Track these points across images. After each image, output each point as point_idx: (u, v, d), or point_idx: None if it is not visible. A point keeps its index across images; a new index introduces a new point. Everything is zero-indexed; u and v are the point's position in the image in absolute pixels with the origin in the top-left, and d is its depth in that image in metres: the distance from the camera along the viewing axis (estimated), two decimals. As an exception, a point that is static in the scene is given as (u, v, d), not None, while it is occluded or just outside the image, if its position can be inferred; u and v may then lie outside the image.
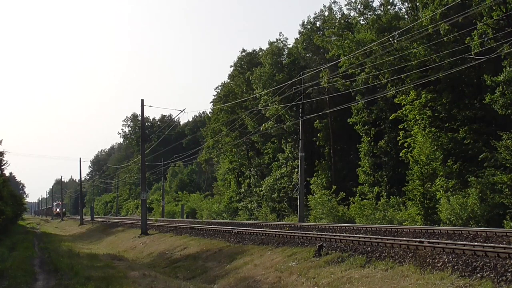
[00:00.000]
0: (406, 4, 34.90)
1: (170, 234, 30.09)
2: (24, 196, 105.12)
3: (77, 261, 17.67)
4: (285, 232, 20.37)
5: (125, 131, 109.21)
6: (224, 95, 55.25)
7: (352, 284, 11.75)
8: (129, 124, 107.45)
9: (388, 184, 33.98)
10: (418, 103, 29.72)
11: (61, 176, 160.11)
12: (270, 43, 48.95)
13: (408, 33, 29.87)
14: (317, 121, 40.51)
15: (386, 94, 32.39)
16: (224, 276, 16.44)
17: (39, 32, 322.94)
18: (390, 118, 33.19)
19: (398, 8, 34.99)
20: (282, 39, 48.68)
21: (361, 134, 36.69)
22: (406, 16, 35.09)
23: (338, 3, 49.63)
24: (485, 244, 12.69)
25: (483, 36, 26.09)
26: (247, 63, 54.58)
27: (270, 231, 21.62)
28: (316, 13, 48.24)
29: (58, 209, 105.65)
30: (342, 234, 18.40)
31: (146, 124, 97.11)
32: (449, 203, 24.12)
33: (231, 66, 56.87)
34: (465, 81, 29.41)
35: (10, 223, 36.41)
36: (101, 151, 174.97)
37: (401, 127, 31.69)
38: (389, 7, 35.11)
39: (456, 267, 10.82)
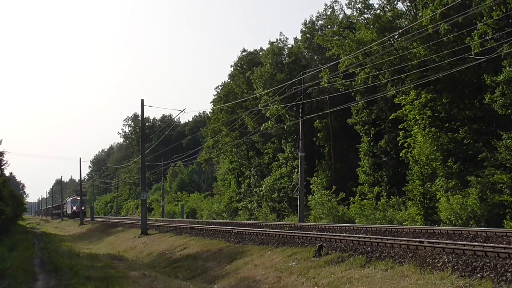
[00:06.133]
0: (406, 3, 34.86)
1: (170, 234, 30.09)
2: (24, 196, 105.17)
3: (77, 261, 17.68)
4: (285, 232, 20.36)
5: (125, 131, 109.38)
6: (224, 95, 55.19)
7: (352, 284, 11.74)
8: (130, 124, 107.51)
9: (388, 184, 33.96)
10: (418, 103, 29.69)
11: (61, 176, 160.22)
12: (271, 43, 48.93)
13: (408, 33, 29.86)
14: (317, 121, 40.50)
15: (386, 94, 32.37)
16: (224, 276, 16.43)
17: (39, 32, 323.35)
18: (390, 118, 33.15)
19: (397, 10, 34.89)
20: (282, 39, 48.74)
21: (361, 134, 36.64)
22: (405, 14, 35.03)
23: (339, 3, 49.62)
24: (485, 244, 12.69)
25: (483, 36, 26.08)
26: (248, 62, 54.51)
27: (270, 231, 21.60)
28: (319, 12, 48.23)
29: (75, 207, 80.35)
30: (342, 234, 18.39)
31: (147, 124, 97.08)
32: (449, 203, 24.12)
33: (231, 66, 56.84)
34: (465, 81, 29.40)
35: (10, 223, 36.42)
36: (101, 151, 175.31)
37: (401, 127, 31.65)
38: (389, 6, 35.06)
39: (456, 267, 10.82)
